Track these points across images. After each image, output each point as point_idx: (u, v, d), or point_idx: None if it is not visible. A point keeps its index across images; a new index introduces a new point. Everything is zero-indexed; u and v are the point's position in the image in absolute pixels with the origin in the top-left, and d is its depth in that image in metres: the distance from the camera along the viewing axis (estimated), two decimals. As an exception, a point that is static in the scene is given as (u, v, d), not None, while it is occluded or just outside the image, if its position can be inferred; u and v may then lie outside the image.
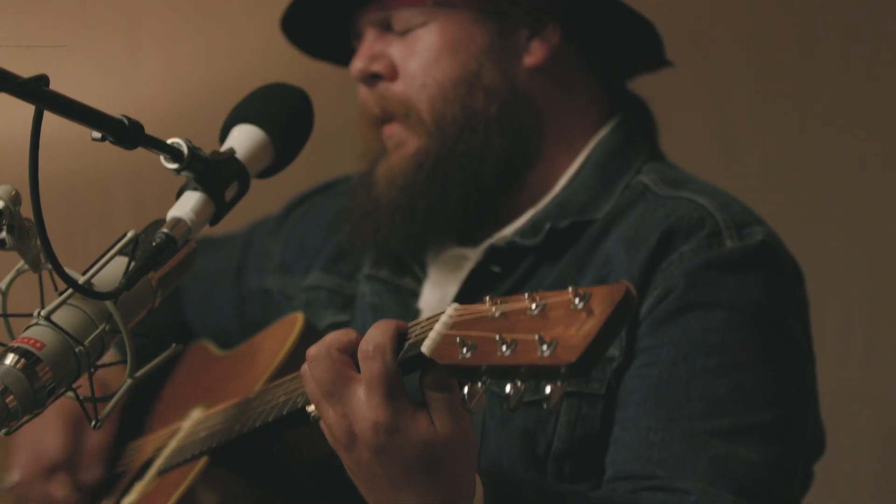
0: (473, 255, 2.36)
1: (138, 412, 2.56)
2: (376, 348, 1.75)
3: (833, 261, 3.54)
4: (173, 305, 2.80)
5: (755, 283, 2.18)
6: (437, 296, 2.37)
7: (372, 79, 2.37)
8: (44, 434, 2.47)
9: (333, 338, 1.80)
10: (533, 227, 2.31)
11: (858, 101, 3.70)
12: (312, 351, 1.81)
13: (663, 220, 2.22)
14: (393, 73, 2.36)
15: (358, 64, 2.38)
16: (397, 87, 2.35)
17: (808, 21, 3.78)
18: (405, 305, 2.39)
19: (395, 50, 2.36)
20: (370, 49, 2.38)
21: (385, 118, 2.37)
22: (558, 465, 2.17)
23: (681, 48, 2.43)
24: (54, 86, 1.69)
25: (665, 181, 2.31)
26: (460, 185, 2.33)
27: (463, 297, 2.30)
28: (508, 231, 2.34)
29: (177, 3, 3.78)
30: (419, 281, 2.42)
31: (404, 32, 2.35)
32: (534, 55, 2.35)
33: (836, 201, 3.75)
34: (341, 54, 2.51)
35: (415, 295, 2.41)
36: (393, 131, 2.36)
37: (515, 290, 2.28)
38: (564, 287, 2.19)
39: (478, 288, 2.31)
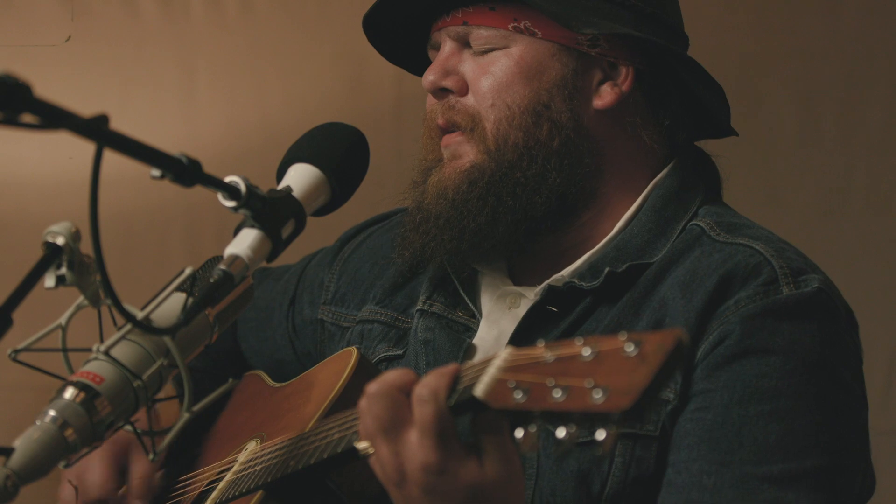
0: (530, 294, 2.35)
1: (189, 443, 2.57)
2: (431, 393, 1.82)
3: (876, 313, 3.53)
4: (231, 334, 2.82)
5: (810, 331, 2.17)
6: (493, 333, 2.37)
7: (442, 92, 2.38)
8: (87, 468, 2.42)
9: (394, 376, 1.87)
10: (591, 269, 2.31)
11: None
12: (372, 388, 1.86)
13: (720, 266, 2.21)
14: (464, 91, 2.36)
15: (430, 76, 2.38)
16: (467, 101, 2.35)
17: (854, 71, 3.78)
18: (457, 341, 2.38)
19: (469, 67, 2.36)
20: (445, 63, 2.38)
21: (448, 128, 2.37)
22: (612, 505, 2.18)
23: (730, 99, 2.43)
24: (114, 124, 1.71)
25: (721, 226, 2.31)
26: (511, 212, 2.32)
27: (520, 335, 2.30)
28: (566, 272, 2.33)
29: (233, 44, 3.82)
30: (472, 316, 2.41)
31: (482, 52, 2.35)
32: (603, 98, 2.35)
33: (881, 252, 3.74)
34: (414, 62, 2.53)
35: (468, 330, 2.40)
36: (452, 140, 2.36)
37: (572, 331, 2.28)
38: (620, 330, 2.22)
39: (535, 327, 2.30)
